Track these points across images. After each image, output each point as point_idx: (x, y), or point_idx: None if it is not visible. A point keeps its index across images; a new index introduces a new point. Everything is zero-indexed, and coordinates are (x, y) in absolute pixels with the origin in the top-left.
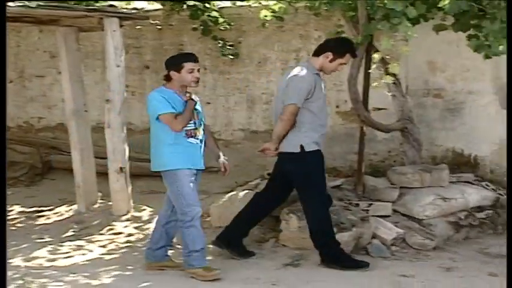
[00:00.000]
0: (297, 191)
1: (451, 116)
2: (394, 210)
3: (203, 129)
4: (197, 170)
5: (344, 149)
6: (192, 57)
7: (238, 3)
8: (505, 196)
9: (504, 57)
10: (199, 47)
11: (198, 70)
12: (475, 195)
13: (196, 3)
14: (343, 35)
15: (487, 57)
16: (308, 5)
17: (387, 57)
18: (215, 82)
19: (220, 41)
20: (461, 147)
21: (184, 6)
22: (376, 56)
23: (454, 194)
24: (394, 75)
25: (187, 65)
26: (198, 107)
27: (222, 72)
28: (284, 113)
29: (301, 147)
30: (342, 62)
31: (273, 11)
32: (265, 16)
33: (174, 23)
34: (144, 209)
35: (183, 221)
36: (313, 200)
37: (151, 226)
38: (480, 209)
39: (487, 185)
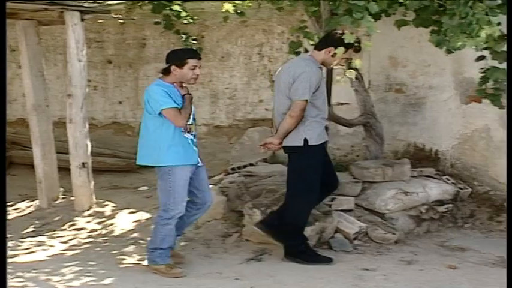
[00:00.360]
0: (287, 179)
1: (412, 111)
2: (357, 205)
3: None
4: (195, 165)
5: None
6: (196, 54)
7: None
8: (465, 190)
9: (464, 52)
10: (161, 41)
11: (200, 67)
12: (435, 189)
13: None
14: (306, 30)
15: (449, 52)
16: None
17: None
18: None
19: (183, 35)
20: (423, 142)
21: (147, 1)
22: (338, 51)
23: (415, 188)
24: (356, 70)
25: (191, 62)
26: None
27: None
28: (294, 109)
29: (305, 140)
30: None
31: (235, 6)
32: (227, 10)
33: (137, 17)
34: (106, 205)
35: (161, 216)
36: (298, 195)
37: (114, 221)
38: (441, 202)
39: (447, 179)
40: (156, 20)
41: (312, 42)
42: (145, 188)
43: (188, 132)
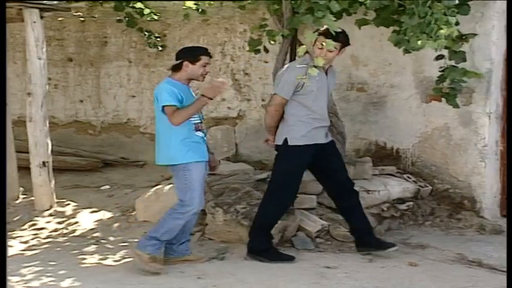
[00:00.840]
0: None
1: (373, 110)
2: (319, 203)
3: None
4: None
5: None
6: (207, 51)
7: None
8: (425, 188)
9: (425, 51)
10: (123, 39)
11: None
12: (397, 187)
13: None
14: (268, 29)
15: (406, 51)
16: None
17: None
18: (140, 75)
19: (146, 33)
20: (384, 140)
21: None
22: (300, 50)
23: (377, 187)
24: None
25: (204, 59)
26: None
27: (147, 65)
28: (269, 102)
29: (285, 140)
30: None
31: (197, 4)
32: (189, 8)
33: (98, 15)
34: (67, 204)
35: (175, 210)
36: (271, 194)
37: (75, 221)
38: (402, 200)
39: (408, 177)
40: (118, 18)
41: (272, 41)
42: (107, 187)
43: (199, 130)
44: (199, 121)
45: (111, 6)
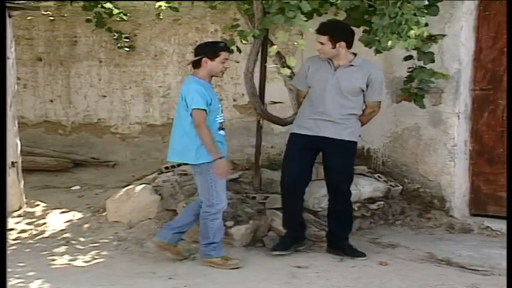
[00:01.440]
0: None
1: None
2: None
3: None
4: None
5: (241, 142)
6: (227, 47)
7: None
8: (396, 187)
9: (395, 52)
10: (93, 39)
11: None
12: (367, 187)
13: None
14: (239, 29)
15: (377, 52)
16: None
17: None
18: (111, 75)
19: (115, 33)
20: None
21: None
22: (272, 50)
23: None
24: (290, 68)
25: (224, 54)
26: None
27: (117, 65)
28: None
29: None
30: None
31: (168, 2)
32: (160, 6)
33: (67, 14)
34: (37, 205)
35: (208, 212)
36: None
37: (45, 222)
38: (372, 200)
39: (379, 176)
40: (88, 18)
41: (244, 41)
42: (78, 187)
43: (222, 129)
44: (222, 120)
45: (80, 5)
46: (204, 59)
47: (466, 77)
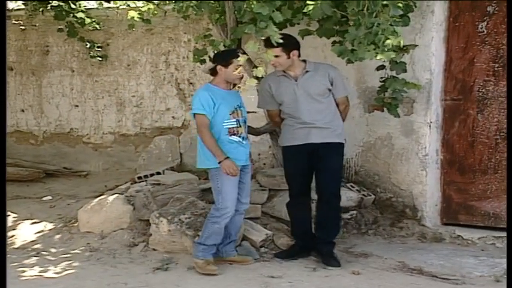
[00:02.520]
0: None
1: None
2: (264, 212)
3: (246, 125)
4: (242, 166)
5: None
6: (239, 54)
7: (106, 4)
8: (368, 197)
9: (367, 62)
10: (65, 48)
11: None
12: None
13: (61, 3)
14: (212, 38)
15: (349, 61)
16: (176, 7)
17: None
18: (83, 84)
19: (87, 43)
20: None
21: (49, 7)
22: (242, 59)
23: None
24: (257, 78)
25: (236, 62)
26: (241, 101)
27: (90, 75)
28: None
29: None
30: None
31: (141, 13)
32: (133, 17)
33: (38, 24)
34: (8, 215)
35: (212, 214)
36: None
37: (15, 233)
38: (345, 209)
39: (351, 186)
40: (59, 27)
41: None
42: (49, 197)
43: (234, 134)
44: (235, 125)
45: (52, 15)
46: (219, 67)
47: (437, 87)
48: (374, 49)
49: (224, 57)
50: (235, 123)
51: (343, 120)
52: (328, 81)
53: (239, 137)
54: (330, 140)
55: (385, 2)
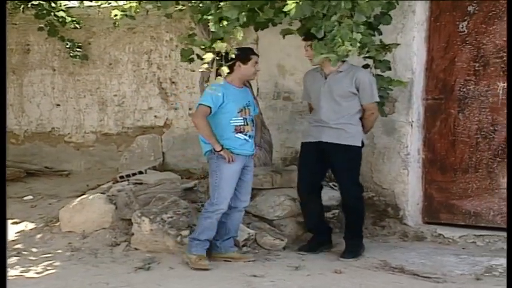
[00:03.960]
0: None
1: (300, 119)
2: (246, 211)
3: (253, 123)
4: (245, 165)
5: (197, 152)
6: (255, 52)
7: (87, 3)
8: None
9: (350, 61)
10: (46, 47)
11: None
12: (323, 195)
13: (42, 2)
14: (195, 38)
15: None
16: (159, 5)
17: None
18: (65, 84)
19: (68, 42)
20: None
21: (29, 5)
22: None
23: None
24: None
25: (254, 58)
26: (250, 99)
27: (71, 74)
28: None
29: None
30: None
31: (124, 10)
32: (116, 15)
33: (19, 22)
34: None
35: (206, 209)
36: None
37: None
38: (328, 208)
39: (334, 185)
40: (40, 26)
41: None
42: (30, 197)
43: (240, 132)
44: (242, 123)
45: (33, 13)
46: (238, 63)
47: (419, 86)
48: (327, 52)
49: (244, 54)
50: (242, 121)
51: (368, 127)
52: (354, 85)
53: (245, 135)
54: (339, 142)
55: (350, 7)
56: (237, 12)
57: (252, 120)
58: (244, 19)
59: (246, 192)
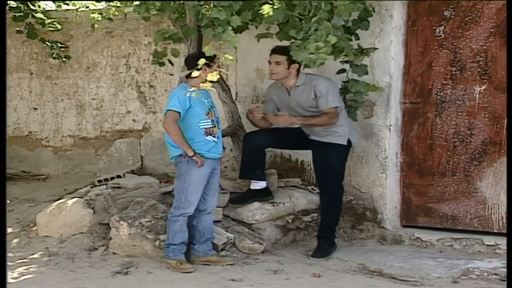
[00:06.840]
0: None
1: None
2: (225, 215)
3: (220, 126)
4: (212, 169)
5: None
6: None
7: (65, 6)
8: None
9: (327, 65)
10: (24, 50)
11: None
12: (301, 199)
13: (20, 5)
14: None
15: (306, 66)
16: (137, 10)
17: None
18: (42, 87)
19: (48, 43)
20: (289, 153)
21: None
22: (200, 62)
23: (282, 199)
24: (212, 82)
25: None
26: (213, 103)
27: (49, 77)
28: None
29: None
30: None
31: (101, 13)
32: (94, 17)
33: None
34: None
35: (172, 213)
36: None
37: None
38: (306, 212)
39: (312, 189)
40: (18, 29)
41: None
42: (7, 201)
43: (210, 134)
44: (211, 125)
45: (10, 17)
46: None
47: (397, 90)
48: (310, 53)
49: (207, 58)
50: (210, 123)
51: (315, 124)
52: (314, 94)
53: (214, 136)
54: (325, 140)
55: (329, 8)
56: (225, 14)
57: (218, 122)
58: (238, 22)
59: (214, 194)
